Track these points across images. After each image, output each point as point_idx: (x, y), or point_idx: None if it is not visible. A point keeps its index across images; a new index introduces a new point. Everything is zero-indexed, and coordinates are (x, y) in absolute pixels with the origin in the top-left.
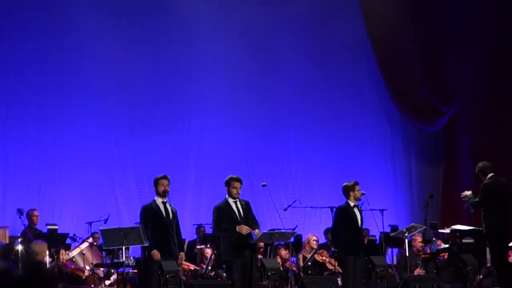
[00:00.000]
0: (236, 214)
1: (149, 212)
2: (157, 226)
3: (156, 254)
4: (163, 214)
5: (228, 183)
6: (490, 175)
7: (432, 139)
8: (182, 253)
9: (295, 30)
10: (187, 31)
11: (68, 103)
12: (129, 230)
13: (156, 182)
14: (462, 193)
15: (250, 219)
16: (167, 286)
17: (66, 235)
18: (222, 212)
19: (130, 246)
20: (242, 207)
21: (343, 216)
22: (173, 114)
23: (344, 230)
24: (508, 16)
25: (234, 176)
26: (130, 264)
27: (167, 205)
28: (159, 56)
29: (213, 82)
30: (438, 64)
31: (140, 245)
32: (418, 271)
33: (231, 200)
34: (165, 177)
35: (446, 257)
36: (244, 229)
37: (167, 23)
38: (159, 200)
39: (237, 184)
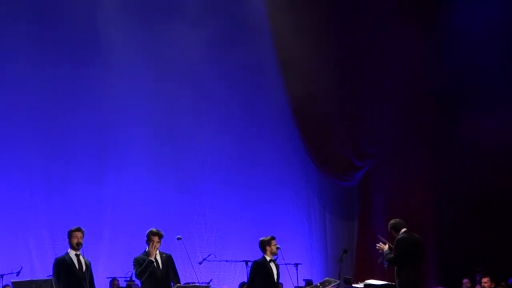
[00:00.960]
0: (155, 267)
1: (62, 265)
2: (70, 279)
3: None
4: (76, 267)
5: (148, 237)
6: (403, 230)
7: (347, 194)
8: None
9: (217, 81)
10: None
11: None
12: (41, 283)
13: (69, 234)
14: (378, 245)
15: (171, 272)
16: None
17: None
18: (142, 263)
19: None
20: (162, 260)
21: (259, 270)
22: (88, 166)
23: (260, 285)
24: (423, 79)
25: (156, 230)
26: None
27: (81, 257)
28: (76, 108)
29: (130, 134)
30: (355, 121)
31: None
32: None
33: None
34: (79, 229)
35: None
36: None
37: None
38: (72, 253)
39: (156, 238)
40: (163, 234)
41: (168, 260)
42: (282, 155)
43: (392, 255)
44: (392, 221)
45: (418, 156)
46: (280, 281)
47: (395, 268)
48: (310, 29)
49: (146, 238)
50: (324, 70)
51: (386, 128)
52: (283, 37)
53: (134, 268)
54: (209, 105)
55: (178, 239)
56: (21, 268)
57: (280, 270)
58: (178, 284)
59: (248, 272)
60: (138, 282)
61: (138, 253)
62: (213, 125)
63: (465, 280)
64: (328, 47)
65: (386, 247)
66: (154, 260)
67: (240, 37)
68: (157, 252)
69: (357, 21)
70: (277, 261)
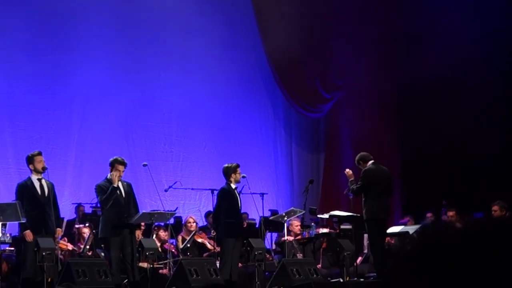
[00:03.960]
0: (118, 194)
1: (24, 190)
2: (33, 203)
3: (28, 235)
4: (38, 191)
5: (112, 165)
6: (370, 162)
7: (313, 126)
8: (58, 229)
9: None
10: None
11: None
12: (5, 206)
13: (32, 159)
14: (347, 170)
15: (131, 201)
16: (43, 263)
17: None
18: (106, 190)
19: (7, 223)
20: (124, 188)
21: (225, 197)
22: (56, 90)
23: (225, 211)
24: (391, 9)
25: (119, 158)
26: (7, 241)
27: (43, 181)
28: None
29: (98, 58)
30: (324, 51)
31: (17, 222)
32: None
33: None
34: (40, 153)
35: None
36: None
37: None
38: (34, 177)
39: (121, 168)
40: (127, 163)
41: (129, 188)
42: (250, 83)
43: (357, 186)
44: (359, 154)
45: (384, 88)
46: (245, 210)
47: (362, 198)
48: None
49: (110, 166)
50: (294, 2)
51: (354, 61)
52: None
53: (97, 196)
54: (178, 14)
55: (144, 165)
56: None
57: (246, 199)
58: (144, 211)
59: (215, 199)
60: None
61: (102, 178)
62: (174, 47)
63: (428, 214)
64: None
65: (351, 172)
66: (117, 187)
67: None
68: (120, 180)
69: None
70: (243, 190)
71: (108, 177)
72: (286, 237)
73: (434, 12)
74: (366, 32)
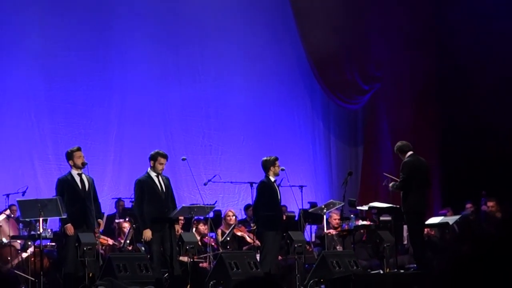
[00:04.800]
0: (159, 189)
1: (65, 185)
2: (73, 198)
3: (69, 228)
4: (78, 186)
5: (154, 158)
6: (409, 153)
7: (352, 117)
8: (100, 220)
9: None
10: None
11: None
12: (46, 202)
13: (71, 155)
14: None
15: (170, 196)
16: (84, 258)
17: None
18: (145, 186)
19: (48, 218)
20: (164, 182)
21: (265, 190)
22: (94, 86)
23: (265, 204)
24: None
25: (162, 151)
26: (48, 237)
27: (83, 176)
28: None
29: (135, 55)
30: (362, 43)
31: (58, 217)
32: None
33: (153, 175)
34: (79, 149)
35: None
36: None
37: None
38: (74, 172)
39: (163, 160)
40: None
41: (168, 182)
42: (287, 76)
43: (399, 180)
44: (399, 143)
45: (422, 78)
46: (284, 203)
47: (401, 191)
48: None
49: (150, 160)
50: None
51: (391, 51)
52: None
53: (135, 192)
54: (212, 16)
55: (183, 159)
56: (27, 188)
57: (285, 192)
58: (184, 205)
59: (254, 193)
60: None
61: (142, 174)
62: (214, 41)
63: (468, 205)
64: None
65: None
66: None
67: None
68: (160, 174)
69: None
70: (282, 183)
71: (148, 171)
72: (327, 230)
73: None
74: (403, 22)
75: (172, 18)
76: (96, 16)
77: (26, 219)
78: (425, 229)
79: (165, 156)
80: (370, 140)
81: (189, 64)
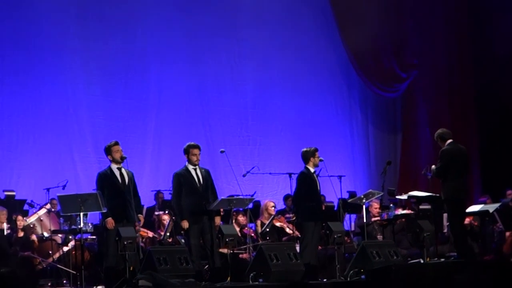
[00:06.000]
0: (196, 182)
1: (105, 179)
2: (113, 193)
3: (110, 222)
4: (118, 180)
5: (187, 151)
6: (449, 141)
7: (390, 106)
8: (140, 215)
9: None
10: None
11: (22, 65)
12: (86, 197)
13: (110, 150)
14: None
15: (209, 188)
16: (125, 252)
17: (23, 201)
18: (182, 179)
19: (89, 213)
20: (202, 175)
21: (305, 181)
22: (132, 79)
23: (305, 195)
24: None
25: (192, 143)
26: (88, 231)
27: (123, 170)
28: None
29: (171, 47)
30: (399, 30)
31: (98, 211)
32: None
33: (191, 167)
34: (117, 143)
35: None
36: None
37: None
38: (114, 166)
39: (196, 151)
40: (201, 146)
41: (207, 175)
42: (325, 64)
43: (437, 167)
44: (439, 131)
45: (462, 67)
46: (324, 193)
47: (441, 179)
48: None
49: (185, 154)
50: None
51: (430, 39)
52: None
53: (172, 185)
54: (245, 14)
55: (222, 152)
56: (67, 182)
57: (324, 182)
58: (223, 197)
59: (294, 183)
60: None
61: (181, 166)
62: (250, 31)
63: (509, 191)
64: None
65: (433, 166)
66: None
67: None
68: (197, 167)
69: None
70: (321, 173)
71: (186, 164)
72: (373, 219)
73: None
74: (441, 10)
75: (207, 10)
76: (128, 10)
77: (67, 214)
78: (466, 218)
79: (196, 147)
80: (409, 128)
81: (227, 55)
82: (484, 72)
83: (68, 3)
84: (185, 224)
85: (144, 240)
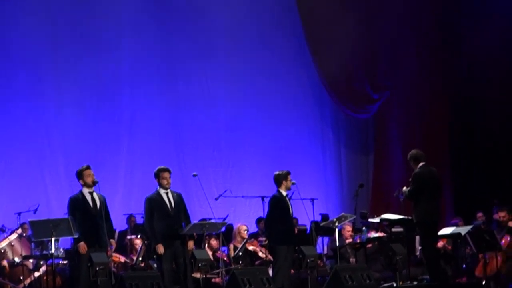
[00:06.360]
0: (167, 206)
1: (76, 204)
2: (85, 217)
3: (82, 247)
4: (90, 205)
5: (157, 175)
6: (421, 164)
7: (362, 127)
8: (112, 240)
9: (231, 17)
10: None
11: None
12: (58, 222)
13: (82, 174)
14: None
15: (182, 212)
16: (97, 278)
17: None
18: (154, 203)
19: (60, 238)
20: (174, 198)
21: (277, 205)
22: (103, 102)
23: (278, 219)
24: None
25: (162, 167)
26: (60, 256)
27: (94, 194)
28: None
29: (144, 69)
30: (371, 52)
31: (70, 237)
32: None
33: (162, 191)
34: (89, 167)
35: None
36: None
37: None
38: (85, 191)
39: (166, 175)
40: (171, 170)
41: (179, 199)
42: (297, 87)
43: (409, 189)
44: (413, 151)
45: (433, 88)
46: (295, 215)
47: (413, 201)
48: None
49: (155, 178)
50: (340, 9)
51: (402, 60)
52: None
53: (144, 210)
54: (219, 36)
55: (194, 175)
56: (38, 206)
57: (296, 204)
58: (196, 222)
59: (266, 207)
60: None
61: (153, 189)
62: (224, 54)
63: (479, 214)
64: None
65: (404, 188)
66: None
67: None
68: (169, 190)
69: None
70: (293, 196)
71: (157, 189)
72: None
73: None
74: (412, 31)
75: (180, 34)
76: (104, 32)
77: (38, 239)
78: (439, 240)
79: (166, 170)
80: (381, 149)
81: (199, 78)
82: (456, 93)
83: (39, 26)
84: (161, 249)
85: (116, 265)
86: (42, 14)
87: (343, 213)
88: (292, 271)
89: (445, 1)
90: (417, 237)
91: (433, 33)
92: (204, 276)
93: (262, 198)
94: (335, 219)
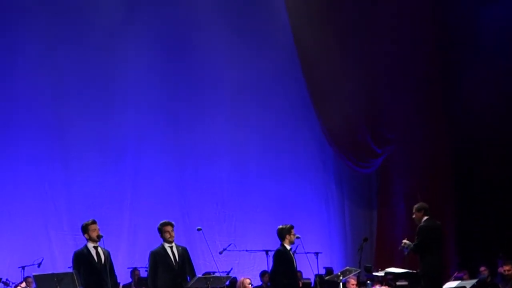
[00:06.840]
0: (171, 260)
1: (81, 258)
2: (90, 272)
3: None
4: (94, 259)
5: (160, 229)
6: (425, 218)
7: (366, 182)
8: None
9: (230, 58)
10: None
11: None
12: (62, 276)
13: (86, 228)
14: (402, 242)
15: (187, 265)
16: None
17: None
18: (158, 257)
19: None
20: (178, 252)
21: (281, 259)
22: (107, 156)
23: (282, 273)
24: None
25: (164, 221)
26: None
27: (99, 249)
28: (93, 92)
29: (148, 122)
30: (374, 106)
31: None
32: None
33: (167, 245)
34: (95, 222)
35: None
36: None
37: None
38: (90, 245)
39: (168, 228)
40: (174, 223)
41: (184, 252)
42: (300, 141)
43: (415, 243)
44: (422, 203)
45: (437, 142)
46: (299, 269)
47: (416, 254)
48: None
49: (159, 232)
50: (342, 56)
51: (405, 114)
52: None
53: (148, 264)
54: (223, 91)
55: (198, 230)
56: (42, 260)
57: (300, 258)
58: (200, 275)
59: (271, 261)
60: None
61: (157, 244)
62: (228, 109)
63: (482, 268)
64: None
65: (407, 241)
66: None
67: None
68: (173, 244)
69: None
70: (297, 250)
71: (162, 243)
72: None
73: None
74: (415, 84)
75: (186, 87)
76: (109, 86)
77: None
78: None
79: (169, 224)
80: (384, 203)
81: (203, 133)
82: (460, 147)
83: (44, 80)
84: None
85: None
86: (47, 68)
87: (347, 267)
88: None
89: (445, 51)
90: None
91: (436, 85)
92: None
93: (266, 252)
94: (339, 273)
